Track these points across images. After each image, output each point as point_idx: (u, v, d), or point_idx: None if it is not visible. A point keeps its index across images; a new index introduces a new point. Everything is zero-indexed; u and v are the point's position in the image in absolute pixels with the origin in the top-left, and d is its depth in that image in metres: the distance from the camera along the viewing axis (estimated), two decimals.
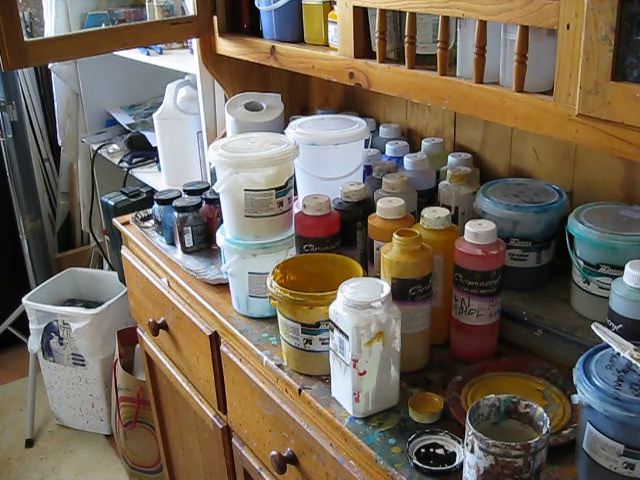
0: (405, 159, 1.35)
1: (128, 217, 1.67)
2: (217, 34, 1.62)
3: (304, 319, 1.02)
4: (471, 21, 1.02)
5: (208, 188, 1.50)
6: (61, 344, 2.40)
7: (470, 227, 1.02)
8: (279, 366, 1.10)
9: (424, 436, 0.93)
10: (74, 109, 2.64)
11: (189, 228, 1.43)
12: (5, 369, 2.96)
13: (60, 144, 2.75)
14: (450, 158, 1.40)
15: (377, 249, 1.11)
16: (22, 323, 2.66)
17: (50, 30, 2.41)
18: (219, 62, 1.69)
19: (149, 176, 2.22)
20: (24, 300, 2.44)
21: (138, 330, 1.78)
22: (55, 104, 2.67)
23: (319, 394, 1.03)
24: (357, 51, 1.24)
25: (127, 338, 2.25)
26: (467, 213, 1.24)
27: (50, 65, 2.53)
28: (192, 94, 1.97)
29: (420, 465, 0.88)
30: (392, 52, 1.23)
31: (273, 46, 1.45)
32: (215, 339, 1.30)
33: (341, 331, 0.93)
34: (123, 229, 1.65)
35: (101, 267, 2.99)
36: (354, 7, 1.21)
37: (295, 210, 1.23)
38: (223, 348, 1.27)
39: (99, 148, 2.46)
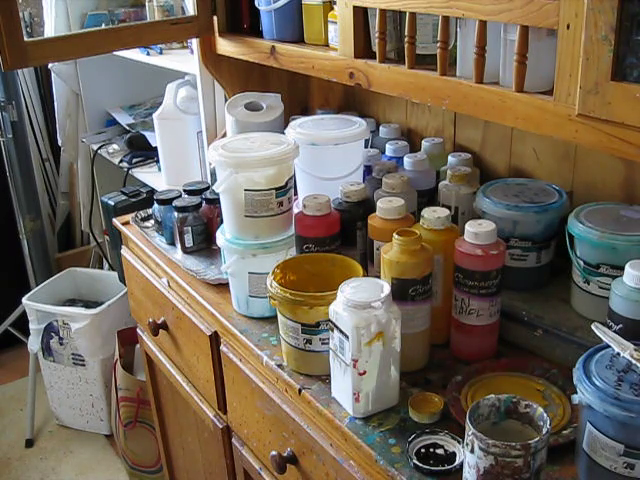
0: (405, 159, 1.35)
1: (128, 217, 1.67)
2: (217, 34, 1.62)
3: (304, 319, 1.02)
4: (471, 21, 1.02)
5: (208, 188, 1.50)
6: (61, 344, 2.40)
7: (470, 227, 1.02)
8: (279, 366, 1.10)
9: (424, 436, 0.93)
10: (74, 109, 2.64)
11: (189, 228, 1.43)
12: (5, 369, 2.96)
13: (60, 144, 2.75)
14: (450, 158, 1.40)
15: (377, 249, 1.11)
16: (22, 323, 2.65)
17: (50, 30, 2.41)
18: (219, 62, 1.69)
19: (149, 176, 2.22)
20: (24, 300, 2.44)
21: (138, 330, 1.78)
22: (55, 104, 2.67)
23: (319, 394, 1.03)
24: (357, 51, 1.24)
25: (127, 338, 2.25)
26: (467, 213, 1.24)
27: (50, 65, 2.53)
28: (192, 94, 1.98)
29: (420, 465, 0.88)
30: (392, 52, 1.23)
31: (273, 46, 1.45)
32: (215, 339, 1.30)
33: (341, 331, 0.93)
34: (123, 229, 1.65)
35: (101, 267, 2.99)
36: (354, 7, 1.21)
37: (295, 210, 1.23)
38: (223, 348, 1.27)
39: (99, 148, 2.46)
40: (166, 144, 2.03)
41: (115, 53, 1.91)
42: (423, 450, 0.91)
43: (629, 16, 0.76)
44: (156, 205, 1.53)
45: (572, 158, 1.27)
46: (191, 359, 1.43)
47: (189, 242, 1.44)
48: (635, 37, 0.77)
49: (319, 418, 1.02)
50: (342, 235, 1.18)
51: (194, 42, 1.71)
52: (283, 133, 1.30)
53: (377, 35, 1.16)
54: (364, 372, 0.93)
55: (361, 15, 1.22)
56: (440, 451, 0.91)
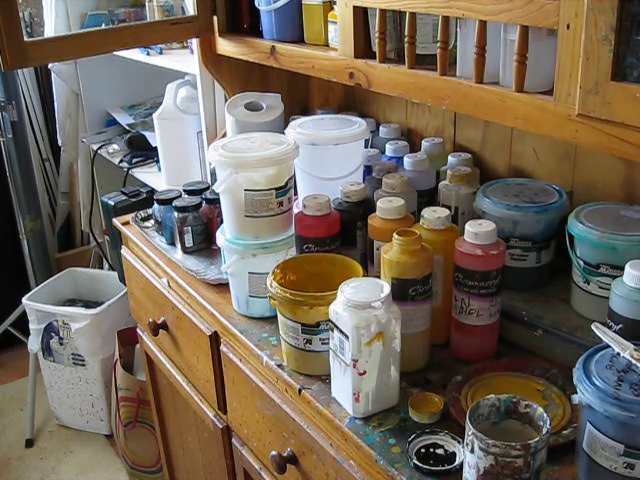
0: (405, 159, 1.35)
1: (128, 217, 1.67)
2: (217, 34, 1.62)
3: (304, 319, 1.02)
4: (471, 21, 1.02)
5: (208, 188, 1.50)
6: (61, 344, 2.40)
7: (470, 227, 1.02)
8: (279, 366, 1.10)
9: (424, 436, 0.93)
10: (74, 109, 2.64)
11: (189, 228, 1.43)
12: (5, 369, 2.96)
13: (60, 144, 2.75)
14: (450, 158, 1.40)
15: (377, 249, 1.11)
16: (22, 323, 2.65)
17: (50, 30, 2.41)
18: (219, 62, 1.69)
19: (149, 176, 2.22)
20: (24, 300, 2.44)
21: (138, 330, 1.78)
22: (55, 104, 2.67)
23: (319, 394, 1.03)
24: (357, 51, 1.24)
25: (127, 338, 2.25)
26: (467, 213, 1.24)
27: (50, 65, 2.53)
28: (192, 94, 1.98)
29: (420, 465, 0.88)
30: (392, 52, 1.23)
31: (273, 46, 1.45)
32: (215, 339, 1.30)
33: (341, 331, 0.93)
34: (123, 229, 1.65)
35: (101, 267, 2.99)
36: (354, 7, 1.21)
37: (295, 210, 1.23)
38: (223, 348, 1.27)
39: (99, 148, 2.46)
40: (166, 144, 2.03)
41: (115, 53, 1.91)
42: (423, 450, 0.91)
43: (629, 16, 0.76)
44: (156, 205, 1.53)
45: (572, 158, 1.27)
46: (191, 359, 1.43)
47: (189, 242, 1.44)
48: (635, 37, 0.77)
49: (319, 418, 1.02)
50: (342, 235, 1.18)
51: (194, 42, 1.71)
52: (283, 133, 1.30)
53: (377, 35, 1.16)
54: (364, 372, 0.93)
55: (361, 15, 1.22)
56: (440, 451, 0.91)
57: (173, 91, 1.98)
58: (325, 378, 1.04)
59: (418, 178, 1.32)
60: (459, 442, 0.91)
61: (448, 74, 1.07)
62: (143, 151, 2.33)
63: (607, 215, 1.08)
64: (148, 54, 2.09)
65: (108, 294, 2.47)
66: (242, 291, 1.22)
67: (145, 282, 1.56)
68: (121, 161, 2.34)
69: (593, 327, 0.87)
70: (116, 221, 1.69)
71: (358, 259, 1.16)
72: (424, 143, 1.47)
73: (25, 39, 1.38)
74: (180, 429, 1.74)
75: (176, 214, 1.43)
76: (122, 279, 1.91)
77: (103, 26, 2.24)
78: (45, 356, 2.46)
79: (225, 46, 1.61)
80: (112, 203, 1.99)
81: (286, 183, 1.17)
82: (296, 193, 1.32)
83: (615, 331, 0.90)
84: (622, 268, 0.93)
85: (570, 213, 1.10)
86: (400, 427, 0.95)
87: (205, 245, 1.46)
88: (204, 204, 1.46)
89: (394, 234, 1.00)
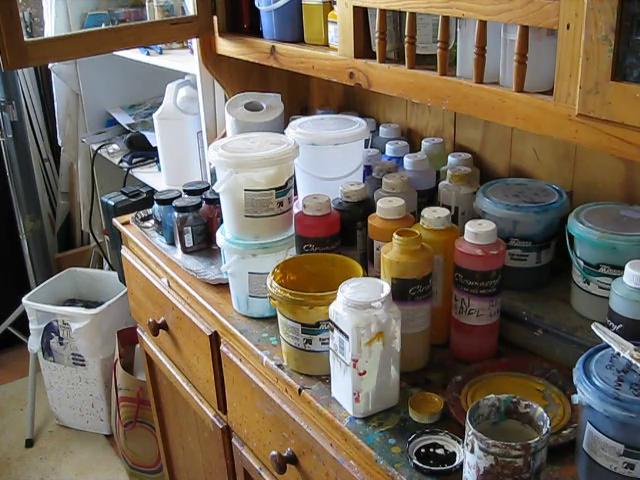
0: (405, 159, 1.35)
1: (128, 217, 1.67)
2: (217, 34, 1.62)
3: (304, 319, 1.02)
4: (471, 21, 1.02)
5: (208, 188, 1.50)
6: (61, 344, 2.40)
7: (470, 227, 1.02)
8: (279, 366, 1.10)
9: (424, 436, 0.93)
10: (74, 109, 2.64)
11: (189, 228, 1.43)
12: (5, 369, 2.96)
13: (60, 144, 2.75)
14: (450, 158, 1.40)
15: (377, 249, 1.11)
16: (22, 323, 2.65)
17: (50, 30, 2.41)
18: (219, 62, 1.69)
19: (149, 176, 2.22)
20: (24, 300, 2.44)
21: (138, 330, 1.78)
22: (55, 104, 2.67)
23: (319, 394, 1.03)
24: (357, 51, 1.24)
25: (127, 338, 2.25)
26: (467, 213, 1.24)
27: (50, 65, 2.53)
28: (192, 94, 1.98)
29: (420, 465, 0.88)
30: (392, 52, 1.23)
31: (273, 46, 1.45)
32: (215, 339, 1.30)
33: (341, 331, 0.93)
34: (123, 229, 1.65)
35: (101, 267, 2.99)
36: (354, 7, 1.21)
37: (295, 210, 1.23)
38: (223, 348, 1.27)
39: (99, 148, 2.46)
40: (166, 144, 2.03)
41: (115, 53, 1.91)
42: (423, 450, 0.91)
43: (629, 16, 0.76)
44: (156, 205, 1.53)
45: (572, 158, 1.27)
46: (191, 359, 1.43)
47: (189, 242, 1.44)
48: (635, 37, 0.77)
49: (319, 418, 1.02)
50: (342, 235, 1.18)
51: (194, 42, 1.71)
52: (283, 133, 1.30)
53: (377, 35, 1.16)
54: (364, 372, 0.93)
55: (361, 15, 1.22)
56: (440, 451, 0.91)
57: (173, 91, 1.98)
58: (325, 378, 1.04)
59: (418, 178, 1.32)
60: (459, 442, 0.91)
61: (448, 74, 1.07)
62: (143, 151, 2.33)
63: (607, 215, 1.08)
64: (148, 54, 2.09)
65: (108, 294, 2.47)
66: (242, 291, 1.22)
67: (145, 282, 1.56)
68: (121, 161, 2.34)
69: (593, 327, 0.87)
70: (116, 221, 1.69)
71: (358, 259, 1.16)
72: (424, 143, 1.47)
73: (25, 39, 1.38)
74: (180, 429, 1.74)
75: (176, 214, 1.43)
76: (122, 279, 1.91)
77: (103, 26, 2.24)
78: (45, 356, 2.46)
79: (225, 46, 1.61)
80: (112, 203, 1.99)
81: (286, 183, 1.17)
82: (296, 193, 1.32)
83: (615, 331, 0.90)
84: (622, 268, 0.93)
85: (570, 213, 1.10)
86: (400, 427, 0.95)
87: (205, 245, 1.46)
88: (204, 204, 1.46)
89: (394, 234, 1.00)
